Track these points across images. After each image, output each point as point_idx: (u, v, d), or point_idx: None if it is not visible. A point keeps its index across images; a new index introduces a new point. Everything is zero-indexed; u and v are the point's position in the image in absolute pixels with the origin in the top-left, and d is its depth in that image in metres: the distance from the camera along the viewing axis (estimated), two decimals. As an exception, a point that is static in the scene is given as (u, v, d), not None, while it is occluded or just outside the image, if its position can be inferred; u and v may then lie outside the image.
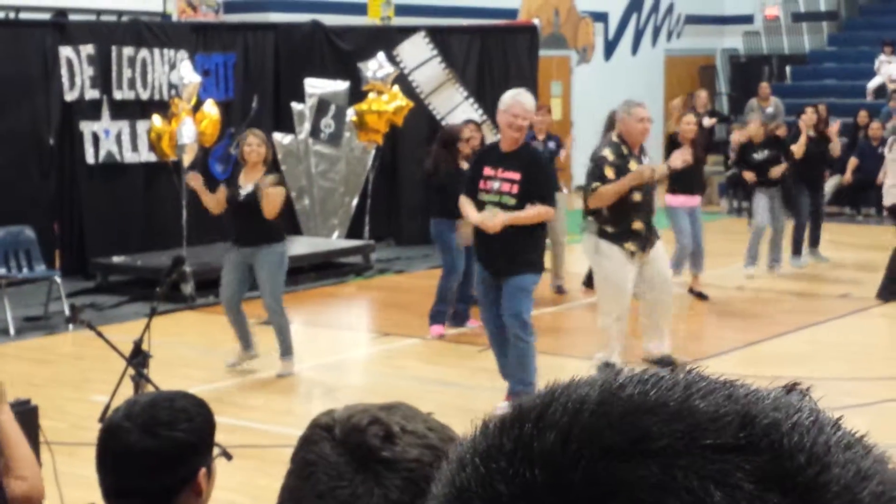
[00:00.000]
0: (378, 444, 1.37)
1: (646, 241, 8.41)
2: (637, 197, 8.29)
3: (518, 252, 7.62)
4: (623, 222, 8.33)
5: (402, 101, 13.43)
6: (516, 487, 0.67)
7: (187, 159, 11.85)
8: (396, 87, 13.50)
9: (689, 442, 0.66)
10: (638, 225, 8.33)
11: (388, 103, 13.32)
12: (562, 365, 9.41)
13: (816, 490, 0.65)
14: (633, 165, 8.29)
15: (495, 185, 7.60)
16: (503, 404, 7.76)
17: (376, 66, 13.47)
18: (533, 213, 7.56)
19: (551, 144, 11.89)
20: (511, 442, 0.69)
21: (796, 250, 13.52)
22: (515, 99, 7.73)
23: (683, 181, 11.35)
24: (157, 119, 11.84)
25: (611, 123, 11.97)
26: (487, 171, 7.67)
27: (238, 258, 8.92)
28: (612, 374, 0.71)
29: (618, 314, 8.58)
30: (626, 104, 8.52)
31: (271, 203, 8.62)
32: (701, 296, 11.67)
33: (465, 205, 7.87)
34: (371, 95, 13.35)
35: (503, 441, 0.69)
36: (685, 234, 11.61)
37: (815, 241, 13.76)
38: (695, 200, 11.72)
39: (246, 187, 8.74)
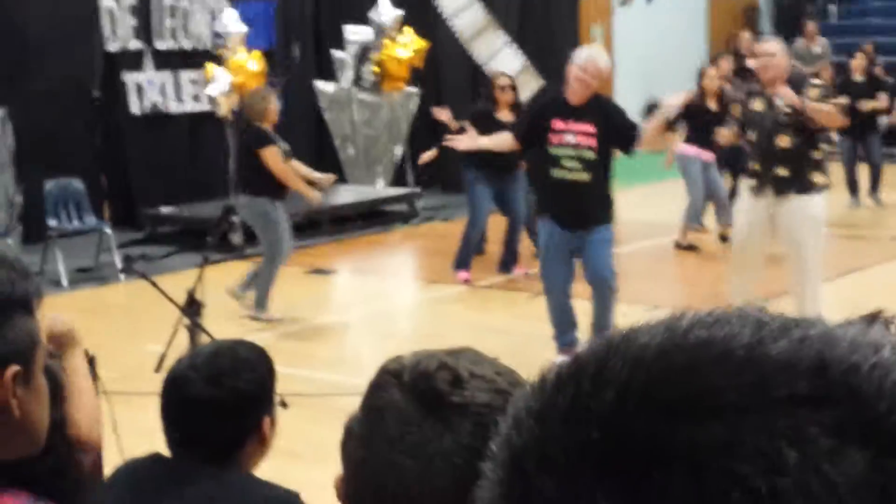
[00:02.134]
0: (447, 388, 1.37)
1: (763, 180, 8.01)
2: (752, 136, 8.07)
3: (602, 206, 7.60)
4: (749, 161, 8.26)
5: (417, 44, 13.37)
6: (572, 450, 0.63)
7: (221, 110, 11.92)
8: (408, 29, 13.44)
9: (758, 395, 0.60)
10: (756, 165, 8.08)
11: (405, 48, 13.29)
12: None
13: None
14: (756, 104, 8.03)
15: (570, 138, 7.46)
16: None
17: (380, 14, 13.45)
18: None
19: None
20: (567, 400, 0.64)
21: (853, 190, 13.59)
22: (585, 53, 7.67)
23: (699, 131, 11.18)
24: (212, 67, 11.90)
25: None
26: (557, 123, 7.47)
27: (284, 209, 9.10)
28: (676, 318, 0.65)
29: (736, 264, 8.33)
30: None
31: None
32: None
33: (494, 138, 8.03)
34: (385, 43, 13.32)
35: (558, 399, 0.65)
36: (696, 185, 11.41)
37: (875, 186, 13.73)
38: (708, 155, 11.36)
39: (282, 144, 9.02)
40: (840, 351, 0.62)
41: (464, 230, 10.50)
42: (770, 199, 8.01)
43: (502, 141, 7.98)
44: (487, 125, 10.06)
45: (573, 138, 7.44)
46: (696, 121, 11.25)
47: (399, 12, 13.50)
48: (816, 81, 8.20)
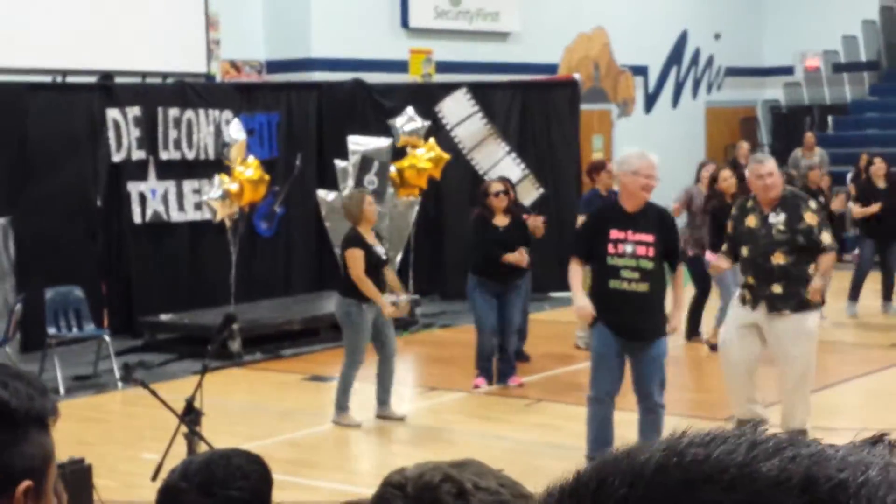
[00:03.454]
0: (451, 501, 1.36)
1: (757, 296, 8.01)
2: (745, 252, 8.06)
3: (659, 317, 7.42)
4: (742, 274, 8.27)
5: (439, 154, 13.51)
6: None
7: (218, 216, 11.96)
8: (432, 140, 13.59)
9: None
10: (750, 280, 8.07)
11: (427, 157, 13.41)
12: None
13: None
14: (750, 220, 8.04)
15: (628, 248, 7.25)
16: None
17: (405, 121, 13.60)
18: (682, 295, 7.60)
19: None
20: None
21: (853, 297, 13.54)
22: (645, 160, 7.34)
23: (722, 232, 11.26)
24: (224, 176, 11.99)
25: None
26: (615, 233, 7.26)
27: (373, 313, 9.09)
28: (676, 437, 0.68)
29: (727, 366, 8.28)
30: (749, 160, 8.49)
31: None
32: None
33: (575, 279, 7.50)
34: (409, 150, 13.44)
35: None
36: (730, 290, 11.44)
37: (888, 294, 13.72)
38: None
39: (378, 246, 9.17)
40: (829, 469, 0.64)
41: (476, 338, 10.44)
42: (763, 313, 8.01)
43: (577, 274, 7.53)
44: (485, 234, 10.12)
45: (632, 248, 7.23)
46: (718, 223, 11.39)
47: (426, 123, 13.61)
48: (813, 206, 8.18)
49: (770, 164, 8.07)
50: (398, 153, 13.65)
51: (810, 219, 7.96)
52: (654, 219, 7.34)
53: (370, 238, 9.17)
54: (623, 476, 0.66)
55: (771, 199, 7.97)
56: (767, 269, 7.92)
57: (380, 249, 9.17)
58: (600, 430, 7.51)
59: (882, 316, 13.60)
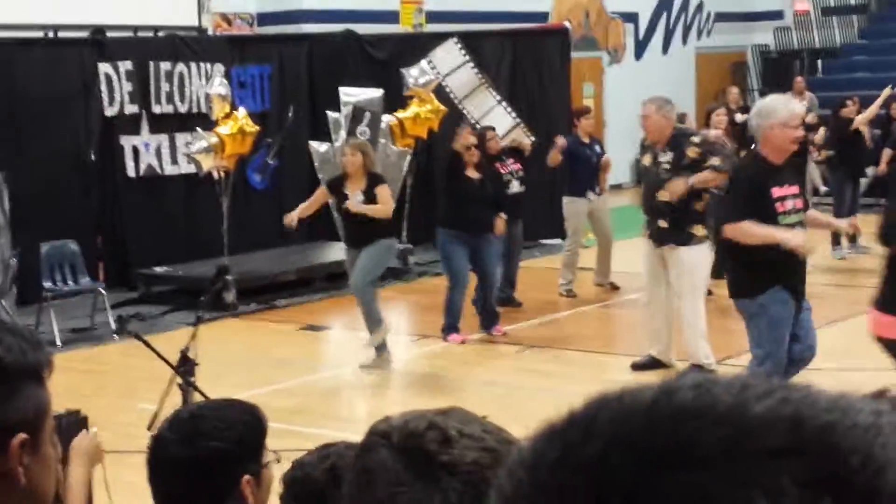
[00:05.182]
0: (436, 448, 1.37)
1: (650, 230, 8.49)
2: (641, 188, 8.63)
3: None
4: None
5: (440, 108, 13.54)
6: (557, 497, 0.66)
7: (202, 169, 12.00)
8: (431, 94, 13.61)
9: (735, 447, 0.63)
10: (644, 215, 8.54)
11: (430, 110, 13.43)
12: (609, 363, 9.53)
13: (871, 493, 0.62)
14: (646, 159, 8.60)
15: (790, 203, 6.74)
16: None
17: (418, 73, 13.57)
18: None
19: (597, 148, 12.02)
20: (556, 451, 0.67)
21: (836, 241, 13.62)
22: (792, 110, 6.85)
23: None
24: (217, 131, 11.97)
25: None
26: (777, 191, 6.71)
27: (353, 256, 9.45)
28: (670, 379, 0.69)
29: (645, 301, 8.76)
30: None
31: (376, 211, 9.35)
32: None
33: (758, 227, 6.65)
34: (414, 102, 13.43)
35: (548, 450, 0.68)
36: None
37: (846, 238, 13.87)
38: None
39: (354, 196, 9.31)
40: (817, 410, 0.65)
41: (446, 293, 10.16)
42: (655, 247, 8.47)
43: (754, 224, 6.77)
44: (456, 185, 10.00)
45: (792, 203, 6.76)
46: None
47: (433, 77, 13.53)
48: (695, 139, 8.60)
49: (645, 108, 8.54)
50: (395, 103, 13.57)
51: (693, 153, 8.36)
52: (795, 169, 7.14)
53: (349, 186, 9.34)
54: (615, 413, 0.67)
55: (653, 139, 8.40)
56: (654, 205, 8.34)
57: (354, 198, 9.26)
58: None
59: (870, 259, 13.68)
